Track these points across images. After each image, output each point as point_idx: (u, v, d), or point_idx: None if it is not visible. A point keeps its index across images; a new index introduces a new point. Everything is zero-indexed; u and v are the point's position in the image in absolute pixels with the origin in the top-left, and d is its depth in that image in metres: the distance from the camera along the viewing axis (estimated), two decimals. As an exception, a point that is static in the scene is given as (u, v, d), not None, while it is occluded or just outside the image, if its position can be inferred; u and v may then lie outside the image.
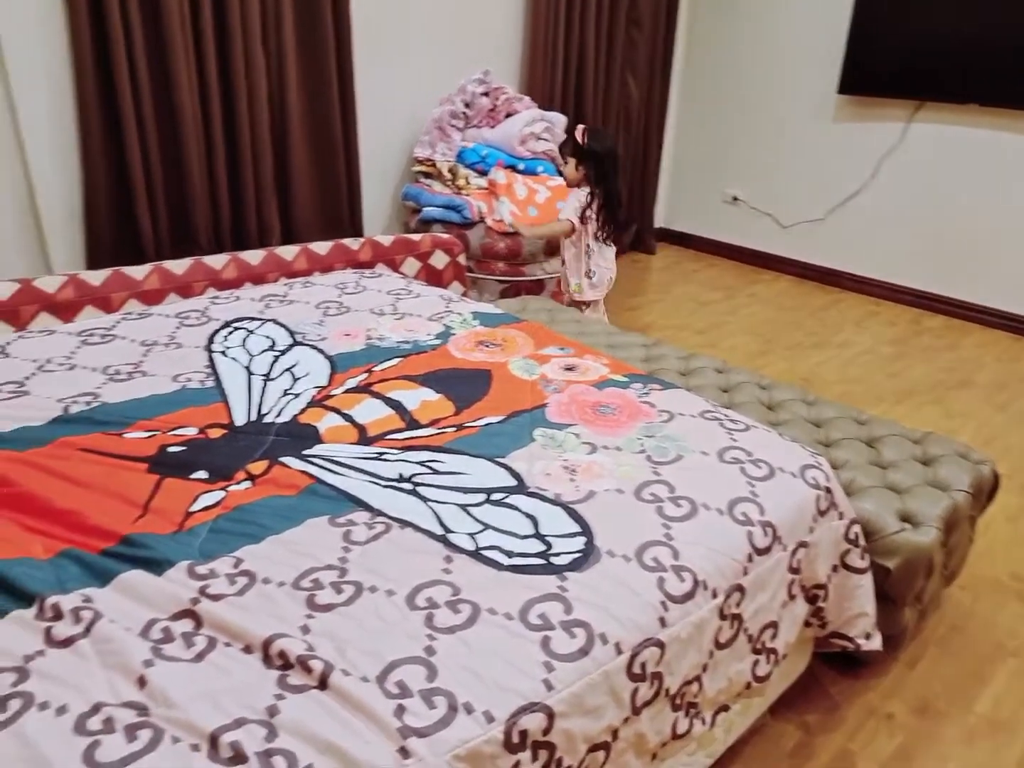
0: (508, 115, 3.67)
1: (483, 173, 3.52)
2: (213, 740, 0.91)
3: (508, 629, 1.09)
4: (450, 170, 3.49)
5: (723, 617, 1.27)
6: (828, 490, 1.50)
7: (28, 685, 0.97)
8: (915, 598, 1.74)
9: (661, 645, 1.15)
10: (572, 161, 2.96)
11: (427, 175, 3.58)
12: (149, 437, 1.53)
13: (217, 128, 2.93)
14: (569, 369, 1.89)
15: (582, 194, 2.93)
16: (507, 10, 3.86)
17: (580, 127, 2.95)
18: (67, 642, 1.04)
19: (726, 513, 1.36)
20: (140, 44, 2.66)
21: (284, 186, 3.22)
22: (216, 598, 1.12)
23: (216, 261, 2.45)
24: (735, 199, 4.71)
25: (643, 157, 4.67)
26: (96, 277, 2.25)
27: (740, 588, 1.30)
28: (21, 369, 1.78)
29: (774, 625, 1.39)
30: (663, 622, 1.17)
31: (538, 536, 1.28)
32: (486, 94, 3.61)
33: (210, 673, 1.00)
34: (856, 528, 1.55)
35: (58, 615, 1.08)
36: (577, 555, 1.24)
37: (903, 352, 3.59)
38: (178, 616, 1.09)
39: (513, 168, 3.54)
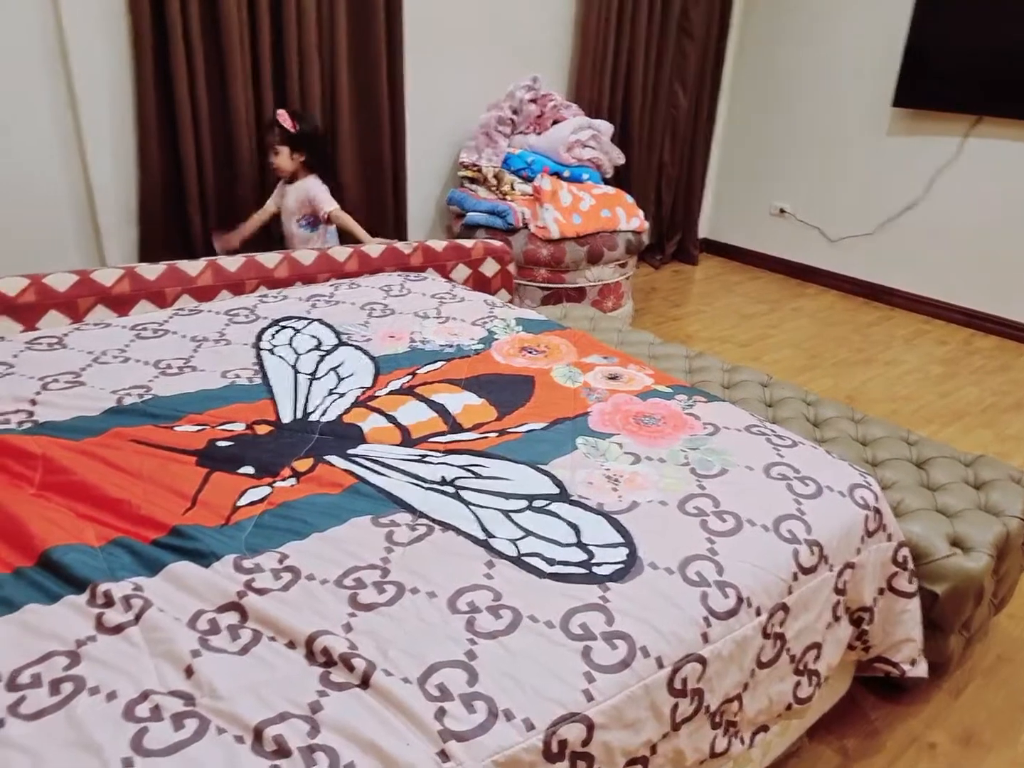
0: (555, 122, 3.67)
1: (528, 180, 3.53)
2: (257, 733, 0.91)
3: (549, 637, 1.09)
4: (495, 176, 3.50)
5: (766, 636, 1.25)
6: (877, 511, 1.47)
7: (80, 669, 0.99)
8: (963, 625, 1.70)
9: (703, 661, 1.14)
10: (284, 150, 2.80)
11: (472, 180, 3.60)
12: (198, 431, 1.56)
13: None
14: (612, 378, 1.88)
15: (313, 180, 2.87)
16: (557, 18, 3.88)
17: (281, 112, 2.76)
18: (117, 629, 1.06)
19: (772, 530, 1.34)
20: (199, 48, 2.73)
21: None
22: (261, 592, 1.13)
23: (269, 260, 2.49)
24: (782, 211, 4.66)
25: (689, 167, 4.65)
26: (151, 271, 2.29)
27: (784, 607, 1.28)
28: (77, 360, 1.82)
29: (817, 646, 1.37)
30: (706, 638, 1.15)
31: (580, 545, 1.28)
32: (534, 101, 3.62)
33: (255, 666, 1.01)
34: (904, 551, 1.52)
35: (109, 602, 1.10)
36: (619, 566, 1.23)
37: (954, 372, 3.51)
38: (224, 608, 1.11)
39: (558, 175, 3.55)
